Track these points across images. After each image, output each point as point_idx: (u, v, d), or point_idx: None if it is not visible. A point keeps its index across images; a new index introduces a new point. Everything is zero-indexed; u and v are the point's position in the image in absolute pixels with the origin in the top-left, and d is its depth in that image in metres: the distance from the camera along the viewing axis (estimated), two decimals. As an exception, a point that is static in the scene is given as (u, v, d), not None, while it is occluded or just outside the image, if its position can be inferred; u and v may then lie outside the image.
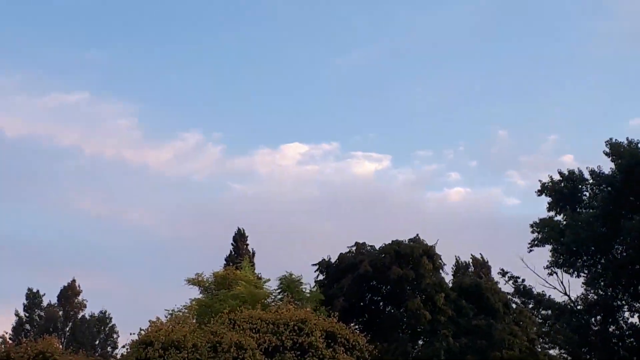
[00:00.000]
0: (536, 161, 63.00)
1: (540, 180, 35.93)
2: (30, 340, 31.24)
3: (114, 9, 71.43)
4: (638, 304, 34.33)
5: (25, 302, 50.62)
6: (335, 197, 62.01)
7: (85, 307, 50.92)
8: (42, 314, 50.03)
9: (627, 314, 34.40)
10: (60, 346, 28.86)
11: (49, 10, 70.11)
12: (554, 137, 64.64)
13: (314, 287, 30.72)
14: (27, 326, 49.54)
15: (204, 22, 74.50)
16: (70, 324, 49.55)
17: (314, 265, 33.02)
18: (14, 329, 48.23)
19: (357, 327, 28.37)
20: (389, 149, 71.89)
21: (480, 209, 61.41)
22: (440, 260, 33.31)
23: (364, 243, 33.32)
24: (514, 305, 34.44)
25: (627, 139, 32.66)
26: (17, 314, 49.66)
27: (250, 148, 78.10)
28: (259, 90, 72.31)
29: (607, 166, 34.01)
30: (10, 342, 35.65)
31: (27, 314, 50.10)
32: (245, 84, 72.10)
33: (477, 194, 65.07)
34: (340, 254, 32.66)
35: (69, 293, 50.41)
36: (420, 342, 31.46)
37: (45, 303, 50.26)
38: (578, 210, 34.46)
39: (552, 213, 34.84)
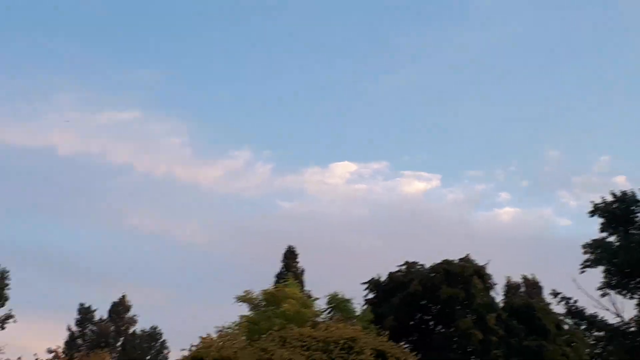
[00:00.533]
0: (588, 182, 62.70)
1: (592, 201, 34.59)
2: (82, 355, 32.53)
3: (165, 29, 74.78)
4: None
5: (78, 317, 51.63)
6: (385, 216, 62.87)
7: (136, 322, 51.81)
8: (94, 328, 50.79)
9: None
10: None
11: (103, 30, 73.71)
12: (606, 157, 64.31)
13: (364, 305, 31.62)
14: (79, 341, 50.40)
15: (253, 42, 76.62)
16: (122, 339, 50.42)
17: (363, 283, 33.97)
18: (67, 343, 49.07)
19: (407, 346, 28.85)
20: (439, 168, 72.48)
21: (531, 229, 61.29)
22: (491, 280, 34.49)
23: (414, 262, 34.34)
24: (565, 327, 34.57)
25: None
26: (69, 329, 50.79)
27: (300, 166, 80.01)
28: (308, 109, 73.93)
29: None
30: (62, 356, 36.34)
31: (79, 329, 51.05)
32: (295, 102, 73.77)
33: (527, 214, 64.99)
34: (390, 272, 33.93)
35: (120, 308, 51.29)
36: None
37: (96, 318, 50.95)
38: (631, 231, 33.07)
39: (604, 234, 33.46)
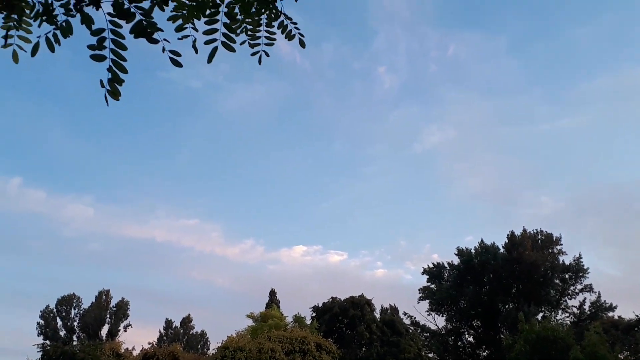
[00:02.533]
0: (420, 257, 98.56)
1: (423, 267, 49.58)
2: (166, 345, 41.82)
3: (211, 176, 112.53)
4: (472, 331, 47.01)
5: (164, 325, 73.04)
6: (320, 273, 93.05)
7: (194, 327, 73.50)
8: (172, 332, 70.53)
9: (466, 336, 47.48)
10: (181, 349, 37.16)
11: (180, 176, 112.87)
12: (428, 245, 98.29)
13: (311, 319, 44.68)
14: (165, 338, 68.65)
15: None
16: (186, 337, 70.55)
17: (311, 308, 48.49)
18: (158, 340, 69.50)
19: (332, 340, 39.44)
20: (347, 248, 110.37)
21: (392, 281, 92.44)
22: (373, 307, 48.76)
23: (336, 297, 48.76)
24: (410, 330, 48.13)
25: (465, 247, 47.85)
26: (159, 332, 72.34)
27: (278, 247, 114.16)
28: (285, 215, 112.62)
29: (456, 260, 48.09)
30: (156, 346, 44.16)
31: (164, 332, 70.65)
32: (278, 210, 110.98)
33: (390, 273, 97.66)
34: (324, 302, 48.31)
35: (186, 320, 71.66)
36: (363, 349, 45.02)
37: (174, 325, 71.30)
38: (442, 282, 47.66)
39: (429, 284, 48.06)
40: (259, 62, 4.80)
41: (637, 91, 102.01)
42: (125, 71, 3.94)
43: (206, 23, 4.25)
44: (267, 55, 4.80)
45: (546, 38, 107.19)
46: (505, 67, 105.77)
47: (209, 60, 4.28)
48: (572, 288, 46.18)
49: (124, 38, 3.92)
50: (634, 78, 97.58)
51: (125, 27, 3.95)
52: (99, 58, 3.89)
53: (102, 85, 3.91)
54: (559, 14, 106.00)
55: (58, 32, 4.08)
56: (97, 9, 3.95)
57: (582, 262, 45.75)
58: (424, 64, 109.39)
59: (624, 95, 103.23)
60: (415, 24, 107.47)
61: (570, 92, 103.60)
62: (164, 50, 3.99)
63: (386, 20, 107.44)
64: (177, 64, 4.08)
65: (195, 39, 4.28)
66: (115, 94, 3.95)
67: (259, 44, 4.77)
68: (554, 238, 47.15)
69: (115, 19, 3.89)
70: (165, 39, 4.01)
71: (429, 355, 48.27)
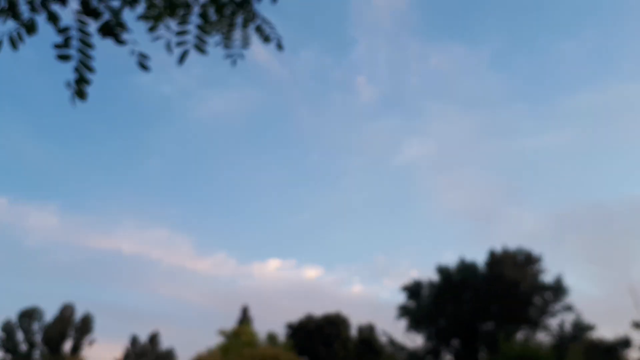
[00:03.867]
0: (398, 273, 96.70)
1: (401, 284, 49.55)
2: None
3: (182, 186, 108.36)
4: (451, 350, 45.79)
5: (131, 341, 70.71)
6: (295, 289, 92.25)
7: (162, 343, 71.06)
8: (139, 348, 68.59)
9: (445, 355, 46.08)
10: None
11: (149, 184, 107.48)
12: (406, 261, 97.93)
13: (284, 337, 45.59)
14: (132, 355, 67.48)
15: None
16: (154, 354, 69.15)
17: (285, 325, 48.29)
18: (125, 357, 67.94)
19: (307, 359, 43.29)
20: (323, 263, 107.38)
21: (369, 298, 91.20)
22: (349, 325, 49.41)
23: (311, 314, 49.00)
24: (388, 349, 47.37)
25: (445, 264, 46.92)
26: (127, 348, 69.87)
27: (251, 261, 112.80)
28: (258, 227, 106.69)
29: (435, 277, 47.39)
30: None
31: (131, 348, 68.63)
32: (253, 223, 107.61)
33: (367, 289, 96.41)
34: (300, 319, 48.37)
35: (154, 337, 69.73)
36: None
37: (141, 341, 69.30)
38: (420, 299, 47.03)
39: (407, 301, 47.39)
40: (234, 64, 4.72)
41: (620, 108, 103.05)
42: (92, 70, 3.93)
43: (178, 24, 4.24)
44: (243, 57, 4.72)
45: (530, 52, 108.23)
46: (488, 81, 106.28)
47: (180, 62, 4.24)
48: (552, 307, 45.52)
49: (91, 36, 3.92)
50: (618, 95, 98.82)
51: (94, 26, 3.97)
52: (65, 57, 3.88)
53: (69, 86, 3.89)
54: (543, 29, 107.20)
55: (23, 30, 3.95)
56: (64, 5, 3.94)
57: (562, 281, 45.32)
58: (404, 75, 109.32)
59: (608, 112, 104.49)
60: (396, 34, 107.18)
61: (553, 107, 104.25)
62: (133, 52, 3.99)
63: (367, 29, 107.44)
64: (145, 68, 4.04)
65: (170, 41, 4.24)
66: (82, 95, 3.93)
67: (233, 47, 4.72)
68: (534, 256, 46.66)
69: (83, 17, 3.90)
70: (134, 40, 4.00)
71: (407, 375, 47.53)
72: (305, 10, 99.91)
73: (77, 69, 3.89)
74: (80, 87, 3.90)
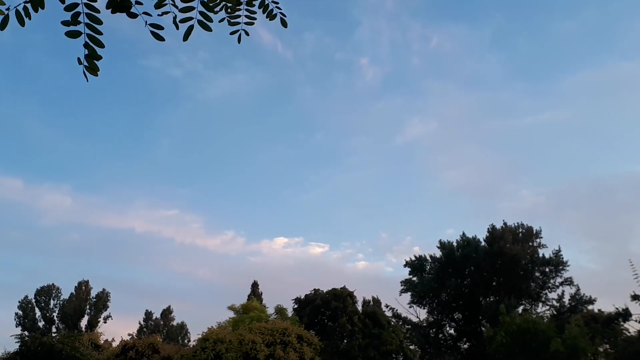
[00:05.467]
0: (401, 249, 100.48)
1: (405, 259, 50.15)
2: (145, 336, 41.45)
3: (191, 167, 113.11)
4: (453, 324, 47.70)
5: (144, 316, 73.17)
6: (302, 265, 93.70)
7: (174, 319, 73.47)
8: (152, 323, 70.51)
9: (447, 328, 48.22)
10: (161, 340, 38.33)
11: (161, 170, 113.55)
12: (409, 237, 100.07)
13: (293, 311, 44.36)
14: (145, 330, 69.00)
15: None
16: (166, 329, 70.83)
17: (293, 300, 47.32)
18: (138, 331, 70.11)
19: (314, 332, 38.39)
20: (328, 241, 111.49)
21: (373, 273, 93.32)
22: (355, 299, 46.60)
23: (318, 289, 47.32)
24: (392, 322, 45.78)
25: (447, 240, 48.20)
26: (139, 323, 72.52)
27: (259, 239, 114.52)
28: (267, 206, 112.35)
29: (437, 252, 48.44)
30: (135, 337, 47.75)
31: (144, 324, 70.65)
32: (259, 204, 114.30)
33: (371, 265, 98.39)
34: (306, 294, 47.12)
35: (167, 312, 71.57)
36: (345, 341, 42.91)
37: (154, 317, 71.36)
38: (423, 275, 48.23)
39: (411, 276, 48.54)
40: (239, 40, 4.67)
41: (619, 86, 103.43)
42: (102, 46, 3.89)
43: (182, 0, 4.14)
44: (247, 34, 4.66)
45: (530, 32, 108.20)
46: (489, 60, 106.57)
47: (185, 38, 4.20)
48: (552, 281, 46.78)
49: (99, 12, 3.85)
50: (617, 73, 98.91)
51: (101, 3, 3.88)
52: (74, 34, 3.83)
53: (80, 62, 3.87)
54: (543, 8, 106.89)
55: (29, 5, 3.91)
56: None
57: (561, 255, 46.39)
58: (407, 55, 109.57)
59: (607, 90, 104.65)
60: (398, 15, 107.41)
61: (552, 86, 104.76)
62: (146, 23, 3.93)
63: (369, 11, 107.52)
64: (159, 38, 4.00)
65: (176, 15, 4.16)
66: (93, 70, 3.92)
67: (238, 23, 4.64)
68: (534, 231, 47.68)
69: None
70: (145, 12, 3.93)
71: (411, 347, 46.98)
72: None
73: (86, 45, 3.88)
74: (91, 63, 3.90)
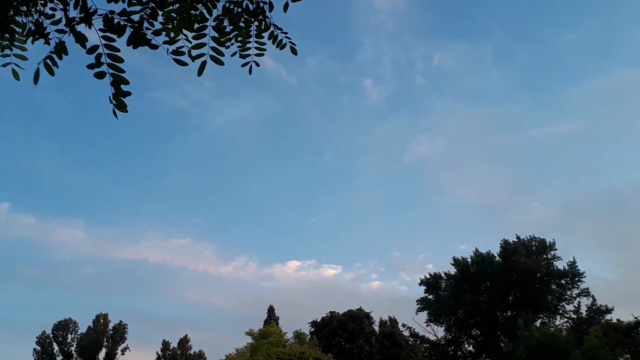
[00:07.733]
0: (414, 267, 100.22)
1: (419, 278, 49.84)
2: None
3: (202, 195, 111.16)
4: (472, 340, 46.68)
5: (161, 346, 73.31)
6: (316, 288, 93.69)
7: (191, 347, 73.26)
8: (169, 353, 70.78)
9: (466, 345, 47.09)
10: None
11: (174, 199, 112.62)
12: (422, 255, 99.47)
13: (309, 335, 45.35)
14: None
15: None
16: (184, 358, 70.36)
17: (309, 323, 49.20)
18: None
19: (331, 355, 42.37)
20: (341, 262, 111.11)
21: (387, 293, 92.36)
22: (372, 320, 50.11)
23: (334, 311, 49.70)
24: (410, 342, 48.07)
25: (461, 257, 47.87)
26: (157, 353, 72.81)
27: (271, 264, 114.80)
28: (278, 235, 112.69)
29: (452, 269, 48.24)
30: None
31: (161, 354, 70.58)
32: (271, 232, 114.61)
33: (386, 285, 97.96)
34: (322, 317, 49.27)
35: (184, 341, 71.48)
36: None
37: (171, 347, 71.75)
38: (439, 292, 47.59)
39: (426, 295, 48.16)
40: (250, 72, 4.78)
41: (625, 93, 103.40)
42: (126, 82, 3.98)
43: (194, 38, 4.26)
44: (258, 65, 4.80)
45: (532, 45, 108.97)
46: (492, 75, 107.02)
47: (199, 73, 4.31)
48: (568, 293, 46.28)
49: (119, 51, 3.96)
50: (622, 80, 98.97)
51: (119, 41, 4.01)
52: (100, 75, 3.93)
53: (110, 102, 3.96)
54: (544, 22, 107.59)
55: (54, 55, 4.08)
56: (89, 27, 3.98)
57: (577, 266, 45.96)
58: (410, 74, 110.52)
59: (613, 98, 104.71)
60: (399, 35, 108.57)
61: (558, 97, 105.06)
62: (167, 51, 4.05)
63: (371, 32, 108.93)
64: (182, 63, 4.10)
65: (190, 49, 4.27)
66: (122, 107, 4.01)
67: (249, 55, 4.75)
68: (548, 243, 47.51)
69: (107, 34, 3.94)
70: (165, 42, 4.08)
71: (429, 367, 47.96)
72: (310, 17, 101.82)
73: (113, 83, 3.95)
74: (118, 100, 3.99)
